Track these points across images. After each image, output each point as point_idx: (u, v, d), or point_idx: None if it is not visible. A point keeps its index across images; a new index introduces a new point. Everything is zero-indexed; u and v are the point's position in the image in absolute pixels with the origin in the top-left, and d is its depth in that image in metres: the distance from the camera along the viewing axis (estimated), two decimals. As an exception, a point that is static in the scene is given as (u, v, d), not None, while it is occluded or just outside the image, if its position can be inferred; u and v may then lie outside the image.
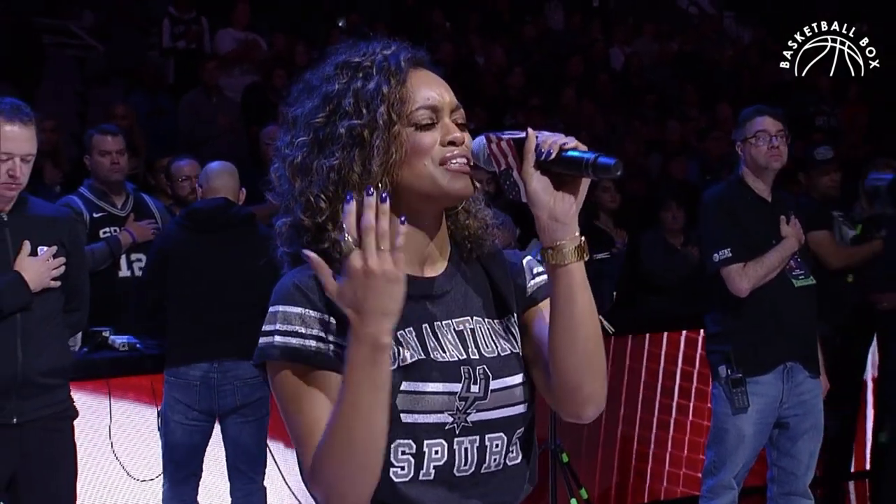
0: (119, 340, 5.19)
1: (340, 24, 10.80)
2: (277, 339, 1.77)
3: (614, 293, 5.79)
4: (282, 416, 1.80)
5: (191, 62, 9.19)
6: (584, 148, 1.76)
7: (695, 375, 6.24)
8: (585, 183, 1.79)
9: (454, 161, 1.83)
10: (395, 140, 1.81)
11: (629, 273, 7.05)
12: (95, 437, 5.00)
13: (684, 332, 6.25)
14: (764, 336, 4.54)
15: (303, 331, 1.77)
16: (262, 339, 1.79)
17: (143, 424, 5.08)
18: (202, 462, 4.83)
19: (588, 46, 11.75)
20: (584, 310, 1.81)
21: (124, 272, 5.50)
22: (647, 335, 6.25)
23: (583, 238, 1.79)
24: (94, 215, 5.52)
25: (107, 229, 5.52)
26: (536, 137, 1.77)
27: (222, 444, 4.86)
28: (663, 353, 6.27)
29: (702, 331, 5.96)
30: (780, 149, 4.58)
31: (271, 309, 1.80)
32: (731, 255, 4.51)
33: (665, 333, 6.27)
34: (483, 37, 11.37)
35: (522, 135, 1.78)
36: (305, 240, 1.84)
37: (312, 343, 1.77)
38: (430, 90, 1.86)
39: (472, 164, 1.84)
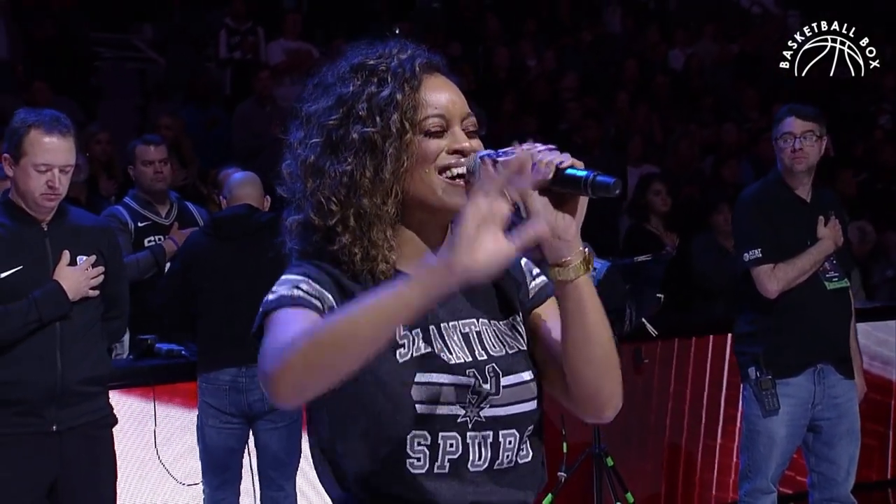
0: (164, 348, 5.27)
1: (397, 31, 10.83)
2: (271, 296, 1.80)
3: (660, 296, 5.72)
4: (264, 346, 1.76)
5: (247, 73, 9.29)
6: (581, 165, 1.75)
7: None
8: (584, 201, 1.78)
9: (454, 170, 1.84)
10: (407, 148, 1.83)
11: (680, 276, 6.98)
12: (141, 443, 5.08)
13: (731, 336, 6.14)
14: (793, 338, 4.49)
15: (304, 287, 1.79)
16: (261, 309, 1.81)
17: (188, 429, 5.14)
18: (241, 467, 4.88)
19: (645, 50, 11.66)
20: (596, 320, 1.83)
21: (169, 281, 5.55)
22: (693, 339, 6.18)
23: (586, 250, 1.80)
24: (139, 224, 5.61)
25: (151, 238, 5.61)
26: (532, 157, 1.76)
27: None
28: (709, 358, 6.19)
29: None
30: (803, 150, 4.48)
31: (277, 282, 1.83)
32: (760, 255, 4.46)
33: (711, 337, 6.19)
34: (537, 42, 11.34)
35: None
36: (315, 239, 1.87)
37: (304, 294, 1.78)
38: (441, 97, 1.87)
39: (469, 180, 1.84)
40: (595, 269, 4.98)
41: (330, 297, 1.81)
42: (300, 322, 1.72)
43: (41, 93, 7.81)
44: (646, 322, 5.52)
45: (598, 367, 1.85)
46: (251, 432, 4.86)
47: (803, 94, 10.99)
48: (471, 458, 1.84)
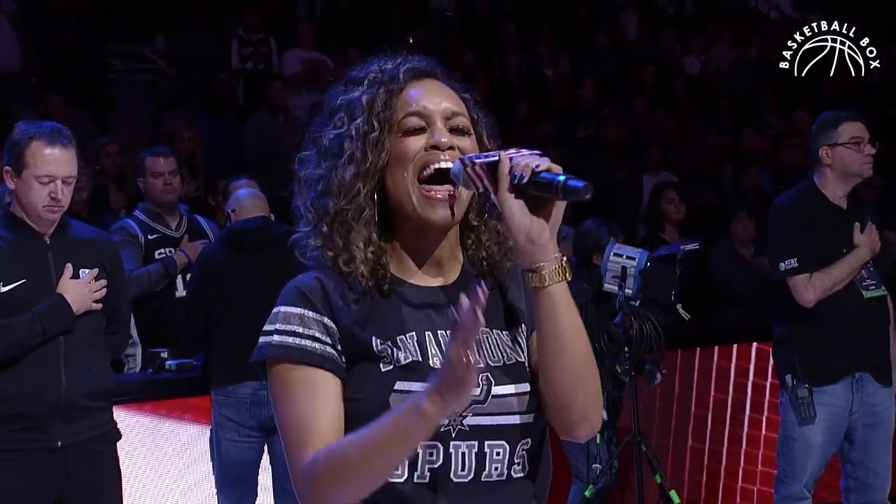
0: (175, 363, 5.19)
1: (410, 41, 10.77)
2: (276, 337, 1.84)
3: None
4: (274, 412, 1.87)
5: (260, 83, 9.23)
6: (558, 170, 1.76)
7: (767, 388, 6.06)
8: (560, 205, 1.79)
9: (433, 165, 1.83)
10: (374, 148, 1.85)
11: (699, 284, 6.88)
12: (150, 458, 4.99)
13: (755, 344, 6.07)
14: (830, 347, 4.46)
15: (300, 330, 1.83)
16: (261, 339, 1.86)
17: (195, 444, 5.06)
18: (257, 480, 4.82)
19: (663, 55, 11.56)
20: (570, 329, 1.80)
21: (180, 292, 5.50)
22: (716, 348, 6.10)
23: (563, 259, 1.79)
24: (149, 237, 5.56)
25: (162, 251, 5.56)
26: (510, 160, 1.77)
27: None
28: (733, 365, 6.11)
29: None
30: (871, 156, 4.47)
31: (274, 310, 1.87)
32: (797, 264, 4.42)
33: (735, 346, 6.11)
34: (554, 48, 11.25)
35: (496, 157, 1.79)
36: (310, 249, 1.90)
37: (308, 342, 1.82)
38: (421, 97, 1.87)
39: (454, 185, 1.84)
40: (634, 258, 4.92)
41: (331, 323, 1.83)
42: (310, 403, 1.79)
43: (54, 105, 7.74)
44: (680, 308, 5.40)
45: (570, 379, 1.81)
46: (268, 445, 4.78)
47: (822, 98, 10.89)
48: (454, 468, 1.81)
